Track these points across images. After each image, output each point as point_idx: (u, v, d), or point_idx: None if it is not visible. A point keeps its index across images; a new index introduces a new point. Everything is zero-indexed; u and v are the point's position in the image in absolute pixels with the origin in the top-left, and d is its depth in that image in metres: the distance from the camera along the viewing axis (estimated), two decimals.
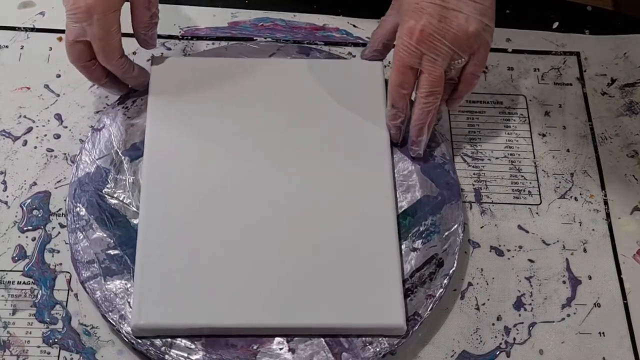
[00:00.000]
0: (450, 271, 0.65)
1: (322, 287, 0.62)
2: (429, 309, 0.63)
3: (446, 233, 0.67)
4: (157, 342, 0.61)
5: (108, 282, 0.63)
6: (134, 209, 0.66)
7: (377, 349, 0.62)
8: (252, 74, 0.72)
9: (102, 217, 0.66)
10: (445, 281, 0.64)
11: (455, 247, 0.66)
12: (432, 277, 0.65)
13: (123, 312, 0.62)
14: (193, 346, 0.61)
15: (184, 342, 0.61)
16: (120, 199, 0.67)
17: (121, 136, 0.69)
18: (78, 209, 0.66)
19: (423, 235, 0.67)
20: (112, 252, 0.64)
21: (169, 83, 0.70)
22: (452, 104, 0.71)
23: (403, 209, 0.68)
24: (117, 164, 0.68)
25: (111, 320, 0.62)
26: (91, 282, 0.63)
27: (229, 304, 0.61)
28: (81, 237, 0.65)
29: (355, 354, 0.61)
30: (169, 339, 0.61)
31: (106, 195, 0.67)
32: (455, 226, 0.67)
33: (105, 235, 0.65)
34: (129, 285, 0.63)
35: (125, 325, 0.61)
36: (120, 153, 0.69)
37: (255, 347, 0.62)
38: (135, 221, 0.66)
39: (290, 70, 0.72)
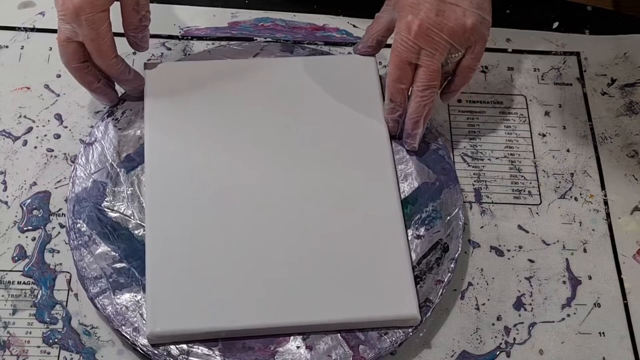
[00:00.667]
0: (456, 255, 0.65)
1: (334, 283, 0.63)
2: (439, 294, 0.64)
3: (448, 218, 0.67)
4: (174, 351, 0.61)
5: (118, 296, 0.63)
6: (136, 220, 0.66)
7: (393, 339, 0.62)
8: (247, 75, 0.72)
9: (104, 232, 0.65)
10: (452, 265, 0.65)
11: (459, 231, 0.66)
12: (439, 263, 0.65)
13: (137, 325, 0.61)
14: (210, 352, 0.61)
15: (201, 349, 0.61)
16: (121, 211, 0.67)
17: (114, 148, 0.69)
18: (79, 225, 0.65)
19: (426, 222, 0.67)
20: (118, 265, 0.64)
21: (164, 88, 0.70)
22: (448, 97, 0.71)
23: (403, 197, 0.68)
24: (113, 176, 0.68)
25: (126, 334, 0.61)
26: (101, 297, 0.62)
27: (242, 305, 0.61)
28: (85, 253, 0.64)
29: (372, 345, 0.62)
30: (186, 347, 0.61)
31: (106, 209, 0.66)
32: (456, 210, 0.67)
33: (109, 249, 0.65)
34: (139, 297, 0.63)
35: (141, 337, 0.61)
36: (115, 165, 0.68)
37: (272, 348, 0.62)
38: (138, 232, 0.66)
39: (285, 69, 0.72)
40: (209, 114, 0.69)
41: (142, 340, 0.61)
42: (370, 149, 0.69)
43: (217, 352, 0.61)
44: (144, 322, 0.61)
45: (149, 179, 0.66)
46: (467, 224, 0.70)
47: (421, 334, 0.65)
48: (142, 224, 0.66)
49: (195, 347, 0.61)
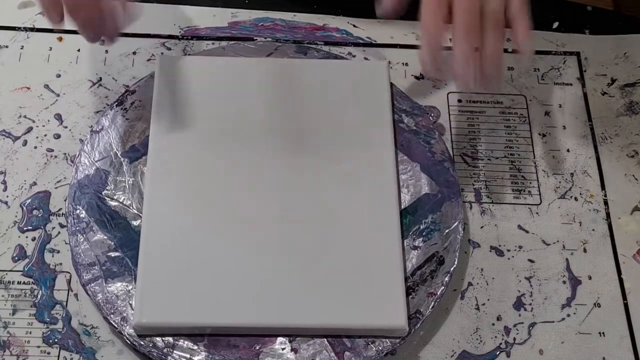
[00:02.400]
0: (451, 269, 0.65)
1: (324, 287, 0.62)
2: (431, 307, 0.63)
3: (446, 231, 0.67)
4: (159, 343, 0.61)
5: (109, 284, 0.63)
6: (134, 210, 0.66)
7: (380, 348, 0.62)
8: (258, 74, 0.71)
9: (102, 219, 0.66)
10: (447, 279, 0.65)
11: (456, 245, 0.66)
12: (433, 275, 0.65)
13: (125, 314, 0.62)
14: (195, 347, 0.61)
15: (186, 343, 0.61)
16: (120, 200, 0.67)
17: (120, 138, 0.69)
18: (78, 211, 0.66)
19: (423, 234, 0.67)
20: (112, 254, 0.64)
21: (175, 81, 0.70)
22: (522, 44, 0.62)
23: (403, 208, 0.68)
24: (116, 165, 0.68)
25: (113, 323, 0.62)
26: (92, 284, 0.63)
27: (231, 303, 0.61)
28: (81, 239, 0.65)
29: (357, 353, 0.62)
30: (171, 340, 0.61)
31: (106, 197, 0.67)
32: (456, 224, 0.67)
33: (105, 237, 0.65)
34: (130, 287, 0.63)
35: (127, 327, 0.61)
36: (119, 155, 0.69)
37: (257, 348, 0.62)
38: (135, 223, 0.66)
39: (297, 71, 0.72)
40: (216, 112, 0.69)
41: (129, 330, 0.61)
42: (373, 157, 0.68)
43: (202, 348, 0.61)
44: (133, 312, 0.61)
45: (149, 171, 0.66)
46: (467, 224, 0.70)
47: (421, 334, 0.65)
48: (141, 214, 0.66)
49: (181, 340, 0.61)
